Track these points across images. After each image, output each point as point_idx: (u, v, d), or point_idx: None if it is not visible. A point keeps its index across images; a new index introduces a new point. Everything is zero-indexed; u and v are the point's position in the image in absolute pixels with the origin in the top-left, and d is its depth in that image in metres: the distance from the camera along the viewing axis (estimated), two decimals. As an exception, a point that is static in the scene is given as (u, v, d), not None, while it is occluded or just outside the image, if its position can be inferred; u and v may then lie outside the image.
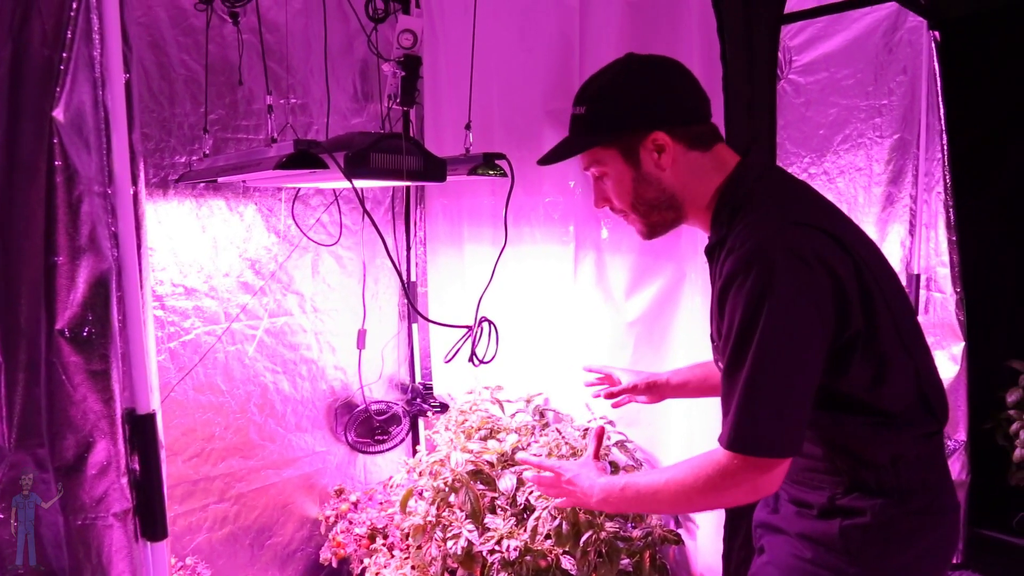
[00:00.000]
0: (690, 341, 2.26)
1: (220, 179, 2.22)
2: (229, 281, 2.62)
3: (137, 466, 1.23)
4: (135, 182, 1.22)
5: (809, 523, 1.32)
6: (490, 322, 2.02)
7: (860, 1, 2.97)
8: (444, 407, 2.98)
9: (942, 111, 2.74)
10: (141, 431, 1.23)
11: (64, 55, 1.11)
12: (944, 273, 2.79)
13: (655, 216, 1.35)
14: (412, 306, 2.96)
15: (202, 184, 2.49)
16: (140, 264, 1.23)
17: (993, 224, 3.07)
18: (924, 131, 2.83)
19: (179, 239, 2.48)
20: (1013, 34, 3.06)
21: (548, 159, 1.37)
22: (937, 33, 2.75)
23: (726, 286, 1.19)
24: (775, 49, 2.05)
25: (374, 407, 3.02)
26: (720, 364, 1.29)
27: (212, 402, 2.59)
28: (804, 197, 1.33)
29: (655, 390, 1.79)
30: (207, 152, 2.33)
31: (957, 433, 2.77)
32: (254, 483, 2.72)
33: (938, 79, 2.76)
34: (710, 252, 1.34)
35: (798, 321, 1.15)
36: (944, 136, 2.73)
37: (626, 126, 1.28)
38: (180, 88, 2.45)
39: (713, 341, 1.35)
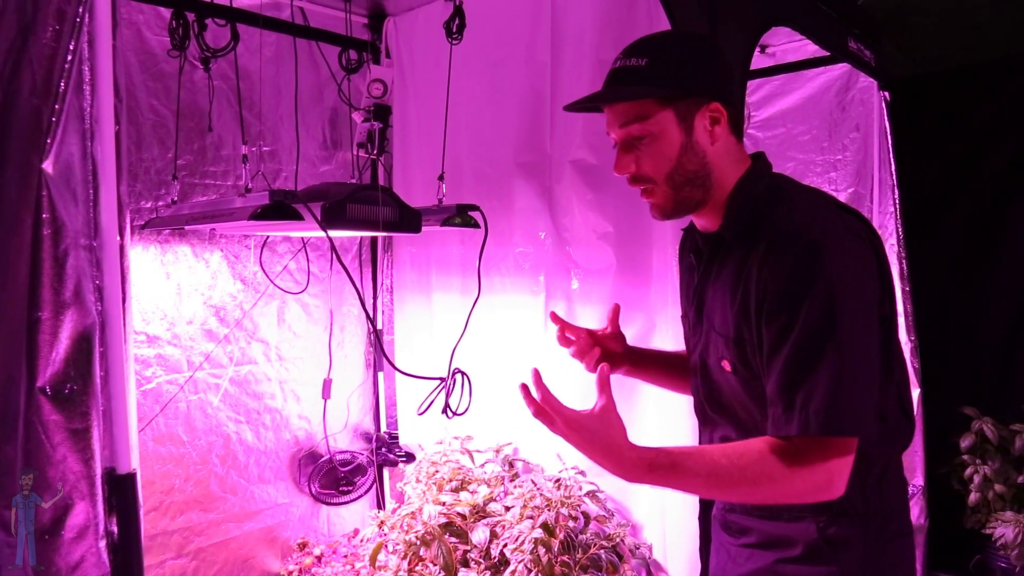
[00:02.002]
0: (661, 391, 2.26)
1: (188, 227, 2.18)
2: (193, 328, 2.56)
3: (115, 528, 1.19)
4: (121, 234, 1.20)
5: (796, 571, 1.25)
6: (463, 374, 2.00)
7: (814, 61, 3.11)
8: (410, 457, 2.94)
9: (893, 167, 2.85)
10: (121, 491, 1.18)
11: (56, 106, 1.09)
12: (899, 322, 2.87)
13: (686, 191, 1.27)
14: (385, 357, 2.93)
15: (167, 230, 2.44)
16: (124, 318, 1.20)
17: (943, 274, 3.18)
18: (877, 186, 2.94)
19: (142, 285, 2.42)
20: (957, 95, 3.23)
21: (596, 100, 1.28)
22: (887, 93, 2.89)
23: (789, 275, 1.15)
24: (742, 104, 2.13)
25: (339, 457, 2.96)
26: (726, 362, 1.26)
27: (172, 453, 2.51)
28: (824, 193, 1.35)
29: (622, 354, 1.59)
30: (175, 199, 2.30)
31: (915, 478, 2.83)
32: (214, 537, 2.62)
33: (889, 136, 2.88)
34: (717, 243, 1.31)
35: (867, 298, 1.16)
36: (896, 191, 2.84)
37: (691, 89, 1.24)
38: (147, 133, 2.42)
39: (723, 335, 1.28)
